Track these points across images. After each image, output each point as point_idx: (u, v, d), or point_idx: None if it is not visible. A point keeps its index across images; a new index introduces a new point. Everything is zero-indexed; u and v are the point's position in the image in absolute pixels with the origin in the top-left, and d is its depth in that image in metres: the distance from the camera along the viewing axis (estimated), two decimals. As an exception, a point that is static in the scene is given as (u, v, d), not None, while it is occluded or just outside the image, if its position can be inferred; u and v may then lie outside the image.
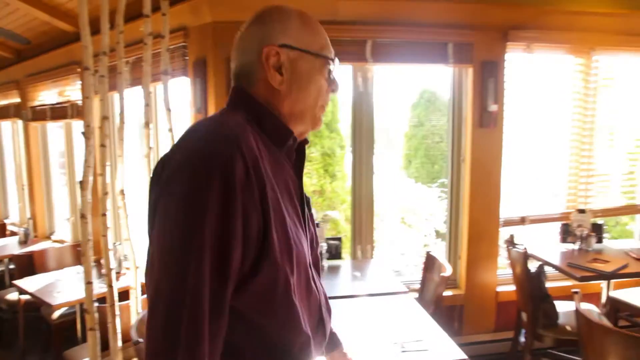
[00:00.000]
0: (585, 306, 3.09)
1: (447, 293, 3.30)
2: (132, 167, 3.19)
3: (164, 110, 2.69)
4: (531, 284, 2.78)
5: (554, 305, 2.80)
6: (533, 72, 3.27)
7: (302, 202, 0.96)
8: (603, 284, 3.12)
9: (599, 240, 3.27)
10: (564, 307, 2.96)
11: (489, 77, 3.11)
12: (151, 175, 0.84)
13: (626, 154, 3.62)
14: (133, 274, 2.56)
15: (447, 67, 3.08)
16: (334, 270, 2.86)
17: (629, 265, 2.87)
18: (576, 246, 3.20)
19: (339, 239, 3.02)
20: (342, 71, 1.07)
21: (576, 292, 2.17)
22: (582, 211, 3.24)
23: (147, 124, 2.60)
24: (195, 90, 2.90)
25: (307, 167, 4.35)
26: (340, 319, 1.71)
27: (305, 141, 1.02)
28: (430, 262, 2.76)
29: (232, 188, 0.75)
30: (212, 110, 2.86)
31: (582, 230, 3.20)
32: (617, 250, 3.17)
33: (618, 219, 4.42)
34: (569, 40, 3.24)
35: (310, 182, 4.00)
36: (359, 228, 3.24)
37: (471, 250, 3.24)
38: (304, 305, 0.91)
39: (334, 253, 3.00)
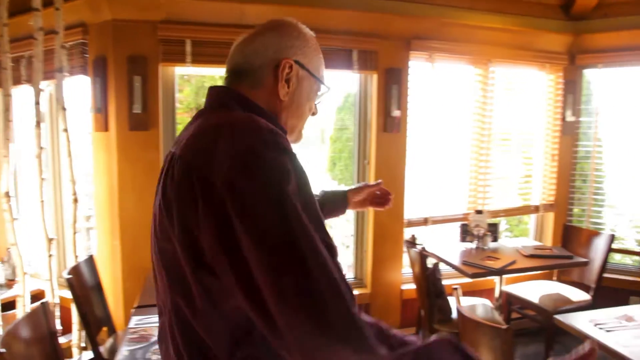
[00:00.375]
0: (481, 301, 3.32)
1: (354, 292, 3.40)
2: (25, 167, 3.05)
3: (60, 109, 2.60)
4: (427, 281, 2.94)
5: (447, 301, 2.97)
6: (436, 80, 3.44)
7: None
8: (496, 279, 3.34)
9: (495, 239, 3.50)
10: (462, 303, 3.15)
11: (392, 84, 3.25)
12: (172, 176, 0.81)
13: (522, 158, 3.90)
14: (21, 281, 2.45)
15: (352, 73, 3.18)
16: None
17: (517, 261, 3.10)
18: (474, 245, 3.41)
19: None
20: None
21: (455, 289, 2.32)
22: (479, 212, 3.46)
23: (38, 124, 2.50)
24: (95, 90, 2.81)
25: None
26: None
27: None
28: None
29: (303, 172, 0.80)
30: (112, 111, 2.78)
31: (479, 229, 3.42)
32: (510, 248, 3.41)
33: (520, 218, 4.74)
34: (468, 52, 3.45)
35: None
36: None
37: (376, 250, 3.37)
38: None
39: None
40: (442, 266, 3.17)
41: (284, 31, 0.98)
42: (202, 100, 1.00)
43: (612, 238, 3.36)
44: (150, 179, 1.57)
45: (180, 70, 3.04)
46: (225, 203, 0.74)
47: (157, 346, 1.20)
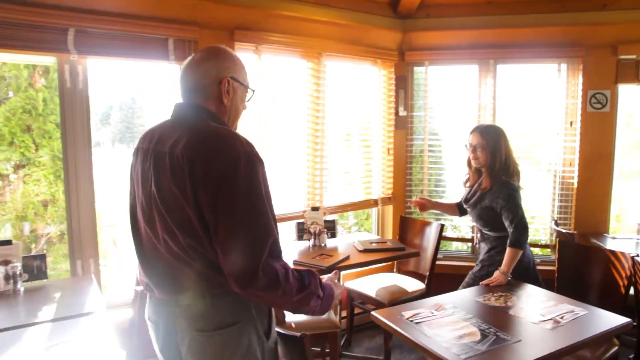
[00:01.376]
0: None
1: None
2: None
3: None
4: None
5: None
6: (265, 72, 3.29)
7: None
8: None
9: (333, 236, 3.46)
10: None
11: (216, 76, 3.02)
12: (177, 163, 1.31)
13: (362, 153, 3.93)
14: None
15: (168, 64, 2.90)
16: (31, 293, 2.43)
17: (351, 257, 3.06)
18: (311, 243, 3.33)
19: (42, 257, 2.59)
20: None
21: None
22: (315, 209, 3.39)
23: None
24: None
25: (36, 174, 3.79)
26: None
27: None
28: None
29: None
30: None
31: (315, 227, 3.34)
32: (348, 244, 3.38)
33: (370, 212, 4.84)
34: (298, 45, 3.36)
35: (38, 190, 3.48)
36: (77, 239, 2.86)
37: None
38: None
39: (37, 273, 2.57)
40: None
41: (221, 57, 1.46)
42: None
43: (442, 227, 3.50)
44: None
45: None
46: (219, 191, 1.27)
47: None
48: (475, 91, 3.88)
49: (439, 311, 2.12)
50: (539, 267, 3.83)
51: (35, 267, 2.57)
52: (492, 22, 3.67)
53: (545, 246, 3.98)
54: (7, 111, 3.63)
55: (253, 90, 1.54)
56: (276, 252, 1.31)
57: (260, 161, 1.34)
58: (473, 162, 2.77)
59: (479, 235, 2.94)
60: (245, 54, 3.18)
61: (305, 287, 1.36)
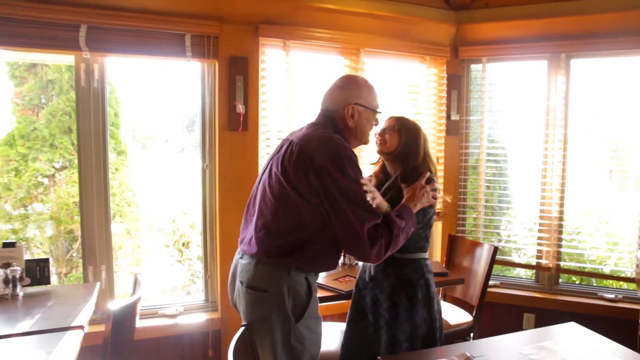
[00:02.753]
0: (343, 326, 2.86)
1: (201, 317, 2.91)
2: None
3: None
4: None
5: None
6: (295, 71, 3.00)
7: None
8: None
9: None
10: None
11: (237, 75, 2.78)
12: (297, 155, 1.67)
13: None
14: None
15: (185, 61, 2.70)
16: (31, 299, 2.31)
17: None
18: (341, 261, 2.96)
19: (45, 261, 2.48)
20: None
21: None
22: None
23: None
24: None
25: (75, 175, 3.77)
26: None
27: None
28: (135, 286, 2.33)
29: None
30: None
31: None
32: (384, 263, 2.97)
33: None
34: (332, 40, 3.03)
35: (74, 191, 3.45)
36: (89, 245, 2.74)
37: (225, 268, 2.87)
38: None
39: (40, 277, 2.46)
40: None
41: (348, 86, 1.84)
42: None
43: (495, 250, 2.97)
44: None
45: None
46: (323, 175, 1.64)
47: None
48: (543, 91, 3.29)
49: (469, 361, 1.67)
50: (620, 304, 3.19)
51: (38, 272, 2.46)
52: (564, 9, 3.07)
53: (630, 280, 3.28)
54: (48, 113, 3.67)
55: (380, 112, 1.88)
56: (371, 225, 1.65)
57: (355, 164, 1.71)
58: (379, 147, 2.09)
59: None
60: (271, 50, 2.91)
61: (393, 235, 1.70)
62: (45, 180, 3.86)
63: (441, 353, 1.76)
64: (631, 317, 2.93)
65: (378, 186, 2.11)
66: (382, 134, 2.06)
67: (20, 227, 3.64)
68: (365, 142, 1.90)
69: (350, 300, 2.26)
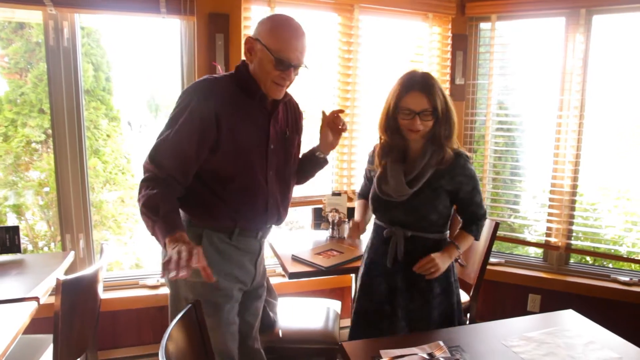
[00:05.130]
0: (330, 304, 2.72)
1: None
2: None
3: None
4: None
5: (265, 308, 2.35)
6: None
7: (267, 138, 1.61)
8: (352, 275, 2.73)
9: (357, 227, 2.88)
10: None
11: (217, 32, 2.57)
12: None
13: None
14: None
15: (160, 18, 2.50)
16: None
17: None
18: (328, 233, 2.79)
19: (15, 229, 2.38)
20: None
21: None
22: (337, 194, 2.82)
23: None
24: None
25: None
26: None
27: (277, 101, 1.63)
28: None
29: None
30: None
31: (335, 215, 2.79)
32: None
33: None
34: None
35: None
36: (66, 214, 2.63)
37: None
38: (249, 190, 1.60)
39: (10, 245, 2.36)
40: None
41: (262, 20, 1.57)
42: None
43: (496, 225, 2.73)
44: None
45: None
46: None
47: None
48: (559, 53, 2.96)
49: (438, 355, 1.48)
50: (634, 288, 2.93)
51: (7, 240, 2.37)
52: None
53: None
54: (34, 77, 3.54)
55: (279, 60, 1.49)
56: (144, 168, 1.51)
57: (193, 100, 1.50)
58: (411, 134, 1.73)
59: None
60: (256, 7, 2.67)
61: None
62: (40, 147, 3.78)
63: (416, 340, 1.58)
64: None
65: (392, 172, 1.78)
66: (415, 123, 1.66)
67: (8, 195, 3.58)
68: (268, 93, 1.56)
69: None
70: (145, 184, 1.46)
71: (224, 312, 1.62)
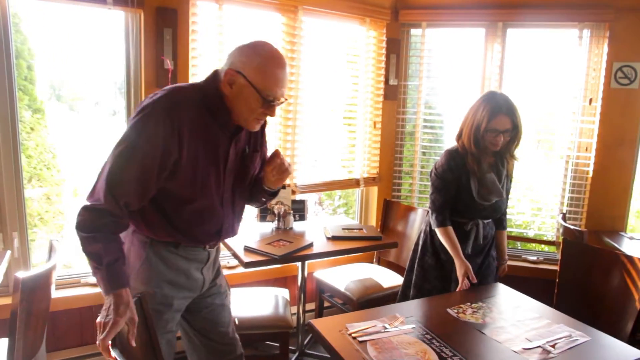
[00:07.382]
0: (278, 292, 2.84)
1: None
2: None
3: None
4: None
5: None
6: (228, 27, 2.81)
7: (226, 159, 1.54)
8: (299, 265, 2.87)
9: (302, 218, 3.03)
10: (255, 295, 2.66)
11: (165, 27, 2.57)
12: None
13: (345, 126, 3.44)
14: None
15: (106, 9, 2.44)
16: None
17: (317, 245, 2.63)
18: (274, 225, 2.91)
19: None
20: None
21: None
22: (282, 187, 2.94)
23: None
24: None
25: None
26: None
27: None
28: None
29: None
30: None
31: (281, 207, 2.91)
32: (320, 228, 2.94)
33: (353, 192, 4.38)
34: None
35: None
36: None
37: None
38: (204, 213, 1.55)
39: None
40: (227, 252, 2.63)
41: (246, 49, 1.46)
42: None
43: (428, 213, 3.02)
44: None
45: None
46: None
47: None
48: (479, 59, 3.33)
49: (395, 325, 1.67)
50: (541, 266, 3.38)
51: None
52: (503, -23, 3.10)
53: (550, 243, 3.48)
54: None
55: (265, 98, 1.42)
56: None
57: (154, 119, 1.37)
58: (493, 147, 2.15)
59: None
60: (203, 3, 2.70)
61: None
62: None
63: (372, 314, 1.76)
64: (551, 278, 3.11)
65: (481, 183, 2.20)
66: (500, 140, 2.10)
67: None
68: (247, 127, 1.51)
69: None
70: (89, 215, 1.34)
71: (161, 321, 1.57)
